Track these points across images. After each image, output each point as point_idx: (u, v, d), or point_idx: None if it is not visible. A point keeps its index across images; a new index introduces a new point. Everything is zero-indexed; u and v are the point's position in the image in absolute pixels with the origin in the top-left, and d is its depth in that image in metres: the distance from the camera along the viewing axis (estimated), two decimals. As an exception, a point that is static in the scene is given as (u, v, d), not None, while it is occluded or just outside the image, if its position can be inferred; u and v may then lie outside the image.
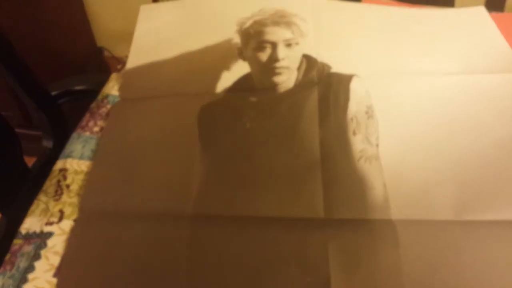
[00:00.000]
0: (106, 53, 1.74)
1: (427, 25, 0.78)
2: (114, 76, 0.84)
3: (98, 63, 1.71)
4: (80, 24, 1.66)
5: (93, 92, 0.83)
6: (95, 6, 1.63)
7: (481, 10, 0.81)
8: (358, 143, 0.63)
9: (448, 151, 0.61)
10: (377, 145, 0.63)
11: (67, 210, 0.62)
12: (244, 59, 0.76)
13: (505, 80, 0.65)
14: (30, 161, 0.86)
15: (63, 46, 1.54)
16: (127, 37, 0.89)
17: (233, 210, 0.60)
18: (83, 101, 0.85)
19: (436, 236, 0.54)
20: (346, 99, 0.67)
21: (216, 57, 0.78)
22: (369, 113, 0.66)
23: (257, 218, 0.58)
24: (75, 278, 0.57)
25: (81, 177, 0.66)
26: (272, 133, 0.66)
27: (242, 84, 0.73)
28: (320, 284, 0.52)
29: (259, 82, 0.73)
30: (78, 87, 0.95)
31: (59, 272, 0.56)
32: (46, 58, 1.42)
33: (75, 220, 0.61)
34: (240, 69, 0.75)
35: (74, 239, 0.60)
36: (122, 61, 0.90)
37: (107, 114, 0.75)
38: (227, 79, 0.75)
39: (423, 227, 0.55)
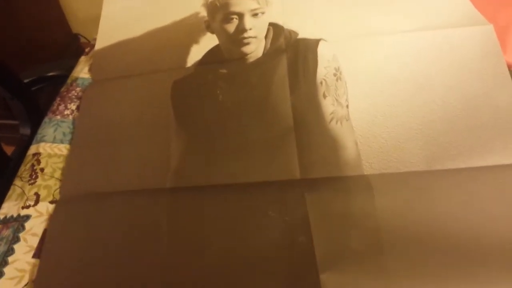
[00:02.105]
0: (82, 40, 1.71)
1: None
2: (82, 59, 0.83)
3: (75, 50, 1.68)
4: (54, 12, 1.62)
5: (66, 77, 0.82)
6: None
7: None
8: (328, 105, 0.64)
9: (416, 107, 0.63)
10: (347, 106, 0.64)
11: (43, 193, 0.62)
12: (212, 31, 0.76)
13: (467, 33, 0.67)
14: (10, 150, 0.86)
15: (39, 36, 1.50)
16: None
17: (210, 180, 0.61)
18: (57, 86, 0.84)
19: (408, 186, 0.56)
20: (315, 64, 0.68)
21: (184, 32, 0.78)
22: (337, 76, 0.67)
23: (234, 185, 0.60)
24: (57, 258, 0.57)
25: (54, 160, 0.66)
26: (245, 103, 0.67)
27: (211, 57, 0.73)
28: (298, 220, 0.54)
29: (228, 53, 0.73)
30: (50, 73, 0.94)
31: (41, 254, 0.57)
32: (21, 48, 1.39)
33: (54, 202, 0.61)
34: (208, 42, 0.75)
35: (55, 220, 0.60)
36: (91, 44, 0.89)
37: (78, 97, 0.75)
38: (196, 53, 0.75)
39: (395, 179, 0.57)
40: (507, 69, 0.64)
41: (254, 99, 0.67)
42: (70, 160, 0.66)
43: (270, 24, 0.74)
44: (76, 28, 1.72)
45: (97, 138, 0.68)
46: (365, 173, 0.58)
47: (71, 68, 0.84)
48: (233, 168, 0.61)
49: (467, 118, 0.61)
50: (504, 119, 0.60)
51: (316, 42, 0.70)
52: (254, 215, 0.56)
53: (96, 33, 0.84)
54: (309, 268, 0.51)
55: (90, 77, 0.77)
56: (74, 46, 1.69)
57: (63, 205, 0.61)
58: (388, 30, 0.70)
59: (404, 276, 0.50)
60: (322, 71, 0.67)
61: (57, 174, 0.64)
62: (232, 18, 0.73)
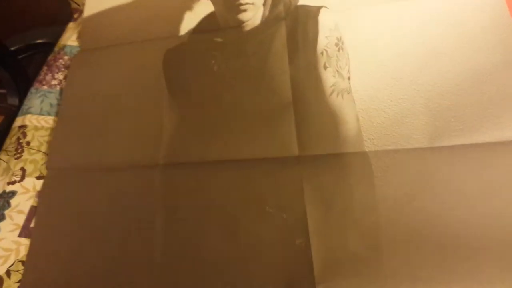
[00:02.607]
0: (73, 5, 1.65)
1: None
2: (71, 25, 0.79)
3: (66, 16, 1.62)
4: None
5: (54, 45, 0.78)
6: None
7: None
8: (329, 77, 0.61)
9: (421, 79, 0.59)
10: (348, 78, 0.61)
11: (29, 168, 0.59)
12: (207, -3, 0.71)
13: (477, 2, 0.63)
14: None
15: (29, 2, 1.45)
16: None
17: (206, 155, 0.58)
18: (47, 54, 0.80)
19: (409, 164, 0.54)
20: (315, 33, 0.64)
21: (177, -2, 0.73)
22: (339, 46, 0.63)
23: (231, 161, 0.57)
24: (49, 237, 0.55)
25: (41, 133, 0.63)
26: (241, 74, 0.64)
27: (206, 25, 0.69)
28: (296, 220, 0.52)
29: (224, 21, 0.69)
30: (38, 40, 0.90)
31: (33, 232, 0.55)
32: (8, 14, 1.33)
33: (41, 178, 0.58)
34: (203, 8, 0.71)
35: (44, 197, 0.58)
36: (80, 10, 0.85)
37: (66, 66, 0.71)
38: (190, 20, 0.70)
39: (396, 156, 0.54)
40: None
41: (251, 69, 0.64)
42: (57, 132, 0.63)
43: (269, -10, 0.69)
44: None
45: (85, 109, 0.65)
46: (366, 150, 0.55)
47: (58, 35, 0.79)
48: (229, 143, 0.59)
49: (474, 93, 0.58)
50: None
51: (317, 9, 0.66)
52: (254, 206, 0.53)
53: None
54: (306, 276, 0.49)
55: (78, 45, 0.73)
56: (65, 12, 1.63)
57: (51, 181, 0.59)
58: (394, -2, 0.66)
59: (403, 278, 0.48)
60: (323, 40, 0.63)
61: (44, 148, 0.61)
62: (228, -17, 0.68)
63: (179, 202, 0.56)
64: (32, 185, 0.58)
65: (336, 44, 0.63)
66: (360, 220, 0.51)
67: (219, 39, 0.67)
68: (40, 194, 0.58)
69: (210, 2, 0.71)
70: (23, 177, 0.58)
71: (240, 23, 0.67)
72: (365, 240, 0.49)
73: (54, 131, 0.64)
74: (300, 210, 0.52)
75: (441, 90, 0.58)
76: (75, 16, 0.81)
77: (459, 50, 0.61)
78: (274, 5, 0.68)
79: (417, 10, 0.64)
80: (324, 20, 0.65)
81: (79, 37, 0.74)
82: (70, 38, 0.75)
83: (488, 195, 0.50)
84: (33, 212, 0.56)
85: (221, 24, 0.69)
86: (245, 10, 0.67)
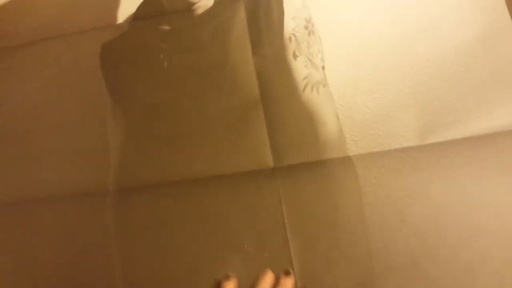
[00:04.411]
0: None
1: None
2: None
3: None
4: None
5: None
6: None
7: None
8: (300, 67, 0.52)
9: (405, 64, 0.52)
10: (323, 67, 0.52)
11: None
12: (147, -29, 0.59)
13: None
14: None
15: None
16: None
17: (165, 175, 0.49)
18: None
19: (400, 169, 0.47)
20: (281, 14, 0.54)
21: (109, -25, 0.60)
22: (309, 28, 0.54)
23: (195, 180, 0.48)
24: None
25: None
26: (197, 70, 0.53)
27: (149, 9, 0.57)
28: (279, 260, 0.45)
29: (169, 3, 0.57)
30: None
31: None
32: None
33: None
34: (143, -12, 0.58)
35: None
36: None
37: None
38: (129, 4, 0.58)
39: (384, 162, 0.48)
40: (506, 9, 0.54)
41: (208, 63, 0.54)
42: None
43: (220, -39, 0.57)
44: None
45: (10, 130, 0.53)
46: (350, 154, 0.48)
47: None
48: (191, 157, 0.50)
49: (465, 75, 0.51)
50: (506, 71, 0.51)
51: (281, -16, 0.55)
52: (228, 236, 0.45)
53: None
54: None
55: None
56: None
57: None
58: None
59: None
60: (290, 23, 0.54)
61: None
62: (170, -49, 0.56)
63: (136, 235, 0.48)
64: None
65: (306, 27, 0.54)
66: (349, 251, 0.45)
67: (166, 27, 0.56)
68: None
69: (150, -21, 0.58)
70: None
71: (190, 4, 0.56)
72: (355, 277, 0.44)
73: None
74: (283, 249, 0.45)
75: (428, 76, 0.51)
76: None
77: (445, 25, 0.53)
78: (228, -20, 0.57)
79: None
80: None
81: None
82: None
83: (489, 204, 0.45)
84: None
85: (167, 7, 0.57)
86: (194, -12, 0.56)
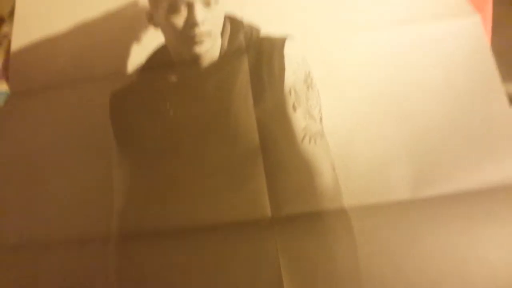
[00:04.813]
0: None
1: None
2: None
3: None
4: None
5: None
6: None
7: None
8: (299, 119, 0.55)
9: (399, 117, 0.55)
10: (320, 119, 0.55)
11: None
12: (156, 25, 0.62)
13: (455, 28, 0.58)
14: None
15: None
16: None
17: (165, 223, 0.51)
18: None
19: (393, 223, 0.49)
20: (282, 68, 0.57)
21: (122, 26, 0.64)
22: (308, 82, 0.57)
23: (194, 229, 0.50)
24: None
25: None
26: (201, 119, 0.56)
27: (157, 60, 0.61)
28: None
29: (177, 54, 0.61)
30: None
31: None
32: None
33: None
34: (152, 39, 0.62)
35: None
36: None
37: None
38: (138, 54, 0.61)
39: (378, 214, 0.49)
40: (495, 68, 0.57)
41: (212, 114, 0.56)
42: None
43: (227, 18, 0.61)
44: None
45: (17, 171, 0.55)
46: (345, 205, 0.50)
47: None
48: (191, 205, 0.52)
49: (457, 130, 0.54)
50: (497, 127, 0.53)
51: (283, 41, 0.59)
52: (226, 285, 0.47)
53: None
54: None
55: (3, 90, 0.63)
56: None
57: None
58: (366, 24, 0.60)
59: None
60: (291, 77, 0.57)
61: None
62: (180, 8, 0.59)
63: (137, 280, 0.49)
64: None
65: (305, 81, 0.57)
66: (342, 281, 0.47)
67: (173, 78, 0.59)
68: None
69: (160, 31, 0.62)
70: None
71: (196, 57, 0.59)
72: None
73: None
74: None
75: (421, 130, 0.54)
76: None
77: (438, 80, 0.56)
78: (233, 36, 0.60)
79: (391, 37, 0.59)
80: (291, 54, 0.58)
81: (9, 78, 0.63)
82: None
83: (484, 258, 0.47)
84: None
85: (174, 58, 0.61)
86: (201, 42, 0.59)
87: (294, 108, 0.55)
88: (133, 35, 0.63)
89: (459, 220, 0.48)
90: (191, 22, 0.59)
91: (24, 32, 0.66)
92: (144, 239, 0.50)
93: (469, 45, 0.57)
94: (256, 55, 0.59)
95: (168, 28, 0.61)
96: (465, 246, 0.47)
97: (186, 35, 0.59)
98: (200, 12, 0.59)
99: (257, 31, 0.60)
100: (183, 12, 0.59)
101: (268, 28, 0.60)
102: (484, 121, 0.54)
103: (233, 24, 0.61)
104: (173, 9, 0.59)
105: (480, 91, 0.55)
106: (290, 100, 0.56)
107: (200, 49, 0.59)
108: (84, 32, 0.65)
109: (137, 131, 0.56)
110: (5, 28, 0.73)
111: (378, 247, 0.47)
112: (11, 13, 0.72)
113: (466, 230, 0.48)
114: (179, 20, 0.59)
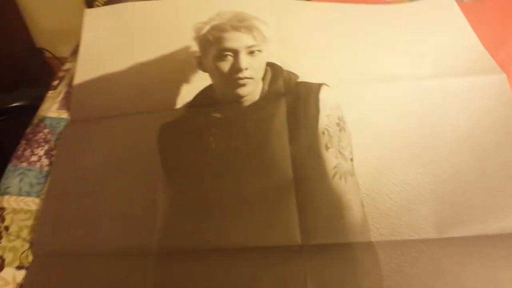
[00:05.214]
0: (47, 54, 1.61)
1: (396, 24, 0.74)
2: (50, 95, 0.74)
3: (40, 65, 1.58)
4: (16, 25, 1.52)
5: (30, 108, 0.75)
6: (30, 6, 1.50)
7: (449, 1, 0.77)
8: (331, 158, 0.59)
9: (425, 162, 0.58)
10: (351, 160, 0.59)
11: (8, 257, 0.54)
12: (204, 70, 0.70)
13: (480, 83, 0.63)
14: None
15: (0, 50, 1.41)
16: (67, 35, 0.81)
17: (202, 243, 0.54)
18: (20, 118, 0.76)
19: (418, 258, 0.51)
20: (316, 111, 0.63)
21: (173, 68, 0.72)
22: (340, 125, 0.62)
23: (229, 250, 0.53)
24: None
25: (21, 216, 0.58)
26: (240, 152, 0.61)
27: (204, 98, 0.67)
28: None
29: (222, 95, 0.67)
30: (13, 104, 0.85)
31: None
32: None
33: (21, 268, 0.53)
34: (200, 81, 0.69)
35: (29, 285, 0.53)
36: (63, 62, 0.82)
37: (46, 141, 0.67)
38: (187, 93, 0.68)
39: (403, 250, 0.52)
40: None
41: (250, 147, 0.61)
42: (43, 213, 0.59)
43: (268, 64, 0.68)
44: (39, 42, 1.62)
45: (73, 189, 0.61)
46: (372, 240, 0.53)
47: (35, 98, 0.76)
48: (227, 228, 0.55)
49: (481, 177, 0.57)
50: None
51: (318, 87, 0.65)
52: None
53: (62, 47, 0.77)
54: None
55: (59, 116, 0.70)
56: (38, 61, 1.59)
57: (36, 269, 0.54)
58: (396, 76, 0.66)
59: None
60: (324, 119, 0.62)
61: (24, 233, 0.56)
62: (226, 55, 0.67)
63: None
64: (12, 276, 0.53)
65: (338, 124, 0.62)
66: None
67: (217, 114, 0.65)
68: (24, 283, 0.53)
69: (207, 74, 0.69)
70: (1, 268, 0.53)
71: (239, 97, 0.66)
72: None
73: (40, 211, 0.59)
74: None
75: (446, 175, 0.57)
76: (54, 83, 0.77)
77: (463, 130, 0.61)
78: (273, 80, 0.67)
79: (420, 88, 0.64)
80: (325, 99, 0.64)
81: (68, 108, 0.71)
82: (50, 109, 0.71)
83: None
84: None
85: (219, 98, 0.67)
86: (244, 85, 0.66)
87: (327, 148, 0.60)
88: (183, 76, 0.70)
89: (479, 260, 0.50)
90: (236, 68, 0.66)
91: (86, 70, 0.75)
92: (181, 256, 0.53)
93: (494, 99, 0.62)
94: (294, 98, 0.65)
95: (215, 72, 0.68)
96: (484, 283, 0.49)
97: (231, 79, 0.66)
98: (244, 60, 0.66)
99: (296, 77, 0.67)
100: (230, 59, 0.67)
101: (305, 75, 0.67)
102: (508, 168, 0.57)
103: (274, 70, 0.68)
104: (221, 56, 0.67)
105: (504, 143, 0.59)
106: (323, 140, 0.61)
107: (243, 91, 0.66)
108: (139, 72, 0.73)
109: (182, 159, 0.62)
110: (67, 65, 0.81)
111: (403, 280, 0.49)
112: (74, 52, 0.81)
113: (485, 269, 0.50)
114: (226, 65, 0.67)
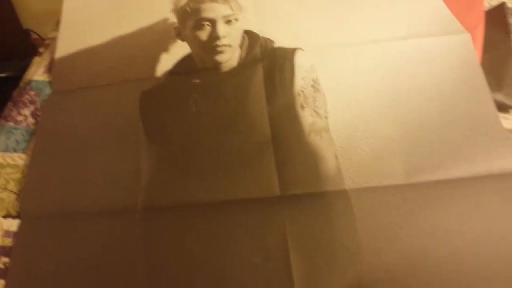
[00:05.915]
0: (33, 36, 1.61)
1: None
2: (36, 60, 0.77)
3: (26, 47, 1.59)
4: (3, 7, 1.52)
5: (17, 79, 0.77)
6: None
7: None
8: (307, 117, 0.62)
9: (396, 116, 0.62)
10: (326, 118, 0.62)
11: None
12: (183, 39, 0.72)
13: (446, 42, 0.67)
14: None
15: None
16: (54, 17, 0.82)
17: (186, 198, 0.57)
18: (7, 89, 0.78)
19: (388, 202, 0.55)
20: (292, 74, 0.66)
21: (153, 39, 0.74)
22: (315, 87, 0.65)
23: (211, 204, 0.56)
24: (24, 281, 0.53)
25: (7, 170, 0.61)
26: (220, 115, 0.64)
27: (183, 66, 0.70)
28: (281, 271, 0.51)
29: (201, 62, 0.70)
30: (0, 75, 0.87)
31: (8, 275, 0.52)
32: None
33: (8, 217, 0.56)
34: (179, 50, 0.71)
35: (19, 246, 0.55)
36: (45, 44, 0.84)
37: (31, 101, 0.69)
38: (167, 62, 0.71)
39: (375, 195, 0.55)
40: (484, 78, 0.64)
41: (230, 110, 0.64)
42: (30, 174, 0.61)
43: (245, 32, 0.71)
44: (27, 23, 1.61)
45: (59, 153, 0.63)
46: (346, 188, 0.56)
47: (22, 68, 0.78)
48: (210, 184, 0.58)
49: (446, 128, 0.60)
50: (484, 128, 0.60)
51: (293, 51, 0.68)
52: (240, 256, 0.52)
53: (49, 28, 0.78)
54: None
55: (44, 80, 0.72)
56: (25, 43, 1.59)
57: (26, 231, 0.57)
58: (368, 40, 0.69)
59: None
60: (300, 81, 0.65)
61: (11, 185, 0.59)
62: (204, 25, 0.69)
63: (161, 250, 0.54)
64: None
65: (312, 86, 0.65)
66: (345, 269, 0.51)
67: (197, 80, 0.67)
68: (14, 243, 0.55)
69: (186, 43, 0.71)
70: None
71: (218, 64, 0.68)
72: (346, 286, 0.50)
73: (27, 172, 0.61)
74: (285, 262, 0.52)
75: (414, 127, 0.61)
76: (41, 50, 0.79)
77: (430, 86, 0.64)
78: (250, 47, 0.70)
79: (390, 50, 0.68)
80: (300, 62, 0.67)
81: (51, 79, 0.73)
82: (36, 73, 0.74)
83: (467, 232, 0.52)
84: (1, 252, 0.54)
85: (198, 65, 0.70)
86: (222, 52, 0.68)
87: (302, 107, 0.63)
88: (163, 46, 0.72)
89: (448, 200, 0.54)
90: (214, 36, 0.68)
91: (67, 44, 0.76)
92: (166, 212, 0.56)
93: (459, 57, 0.65)
94: (270, 63, 0.67)
95: (193, 41, 0.70)
96: (451, 222, 0.52)
97: (210, 47, 0.69)
98: (221, 28, 0.69)
99: (272, 43, 0.70)
100: (207, 28, 0.69)
101: (281, 41, 0.69)
102: (472, 121, 0.61)
103: (250, 38, 0.70)
104: (199, 26, 0.69)
105: (469, 96, 0.63)
106: (299, 100, 0.64)
107: (221, 58, 0.68)
108: (119, 43, 0.75)
109: (164, 124, 0.64)
110: (53, 33, 0.83)
111: (375, 223, 0.53)
112: (58, 23, 0.83)
113: (452, 209, 0.53)
114: (204, 34, 0.69)
